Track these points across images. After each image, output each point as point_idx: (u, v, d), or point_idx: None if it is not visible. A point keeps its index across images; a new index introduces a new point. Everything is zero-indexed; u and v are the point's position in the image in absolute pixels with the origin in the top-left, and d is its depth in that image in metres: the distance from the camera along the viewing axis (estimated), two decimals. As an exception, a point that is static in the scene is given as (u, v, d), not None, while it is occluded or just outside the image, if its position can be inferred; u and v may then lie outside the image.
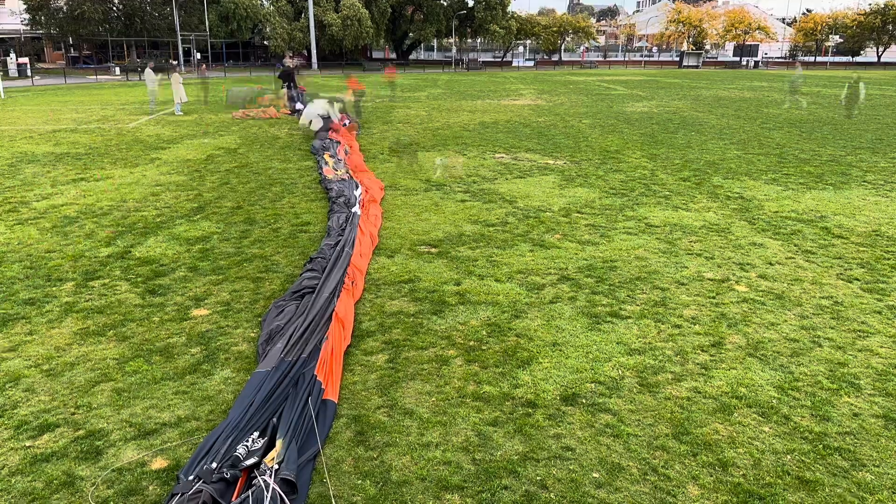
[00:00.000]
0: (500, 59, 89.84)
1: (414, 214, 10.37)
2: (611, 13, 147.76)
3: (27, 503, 3.91)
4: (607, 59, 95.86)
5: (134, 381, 5.28)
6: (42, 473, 4.17)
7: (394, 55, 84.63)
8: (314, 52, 66.51)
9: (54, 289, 7.20)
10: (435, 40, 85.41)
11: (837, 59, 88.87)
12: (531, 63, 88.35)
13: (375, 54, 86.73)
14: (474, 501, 3.97)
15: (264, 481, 3.85)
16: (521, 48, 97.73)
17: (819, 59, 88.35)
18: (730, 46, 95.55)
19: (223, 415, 4.79)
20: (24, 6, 57.12)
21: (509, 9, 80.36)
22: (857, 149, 17.02)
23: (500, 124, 21.99)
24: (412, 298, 7.02)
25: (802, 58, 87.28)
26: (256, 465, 4.09)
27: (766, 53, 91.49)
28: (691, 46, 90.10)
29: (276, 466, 4.04)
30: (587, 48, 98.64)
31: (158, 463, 4.27)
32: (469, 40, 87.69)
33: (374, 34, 69.75)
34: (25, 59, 50.76)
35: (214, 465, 4.01)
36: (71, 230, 9.38)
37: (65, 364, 5.55)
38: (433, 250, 8.60)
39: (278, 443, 4.28)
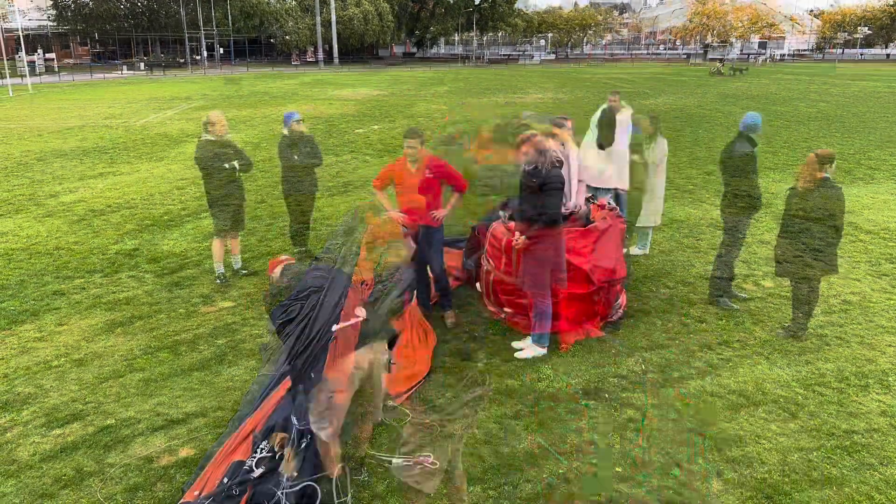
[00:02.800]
0: (519, 54, 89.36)
1: (435, 208, 10.35)
2: (630, 8, 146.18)
3: (58, 489, 3.99)
4: (631, 52, 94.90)
5: (161, 372, 5.36)
6: (72, 461, 4.25)
7: (414, 50, 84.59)
8: (335, 47, 66.70)
9: (82, 281, 7.32)
10: (455, 35, 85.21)
11: (865, 51, 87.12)
12: (552, 57, 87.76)
13: (396, 49, 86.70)
14: (496, 493, 3.98)
15: (281, 495, 3.76)
16: (541, 42, 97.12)
17: (847, 51, 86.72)
18: (755, 39, 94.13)
19: (248, 405, 4.85)
20: (51, 2, 57.96)
21: (530, 2, 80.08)
22: (885, 143, 16.69)
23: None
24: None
25: (829, 51, 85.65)
26: (268, 475, 3.95)
27: (791, 46, 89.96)
28: (714, 40, 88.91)
29: (294, 474, 3.90)
30: (608, 42, 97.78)
31: (185, 452, 4.34)
32: (489, 35, 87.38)
33: (395, 29, 69.77)
34: (52, 55, 51.57)
35: (226, 480, 3.92)
36: (98, 223, 9.52)
37: (93, 354, 5.65)
38: (455, 244, 8.60)
39: (288, 452, 4.07)
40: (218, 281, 7.13)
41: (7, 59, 37.20)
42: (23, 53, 36.15)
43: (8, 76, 35.17)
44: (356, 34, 65.65)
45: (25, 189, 11.64)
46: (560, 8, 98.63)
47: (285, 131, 7.46)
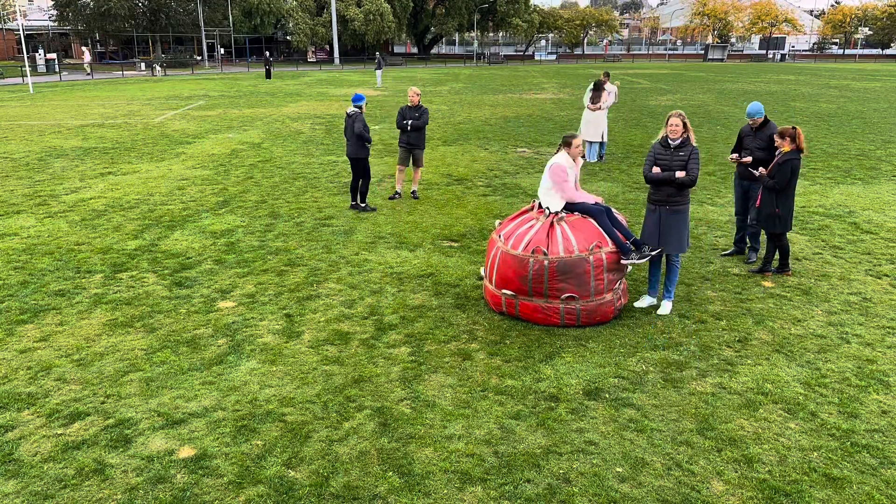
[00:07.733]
0: (521, 53, 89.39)
1: (436, 209, 10.37)
2: (634, 6, 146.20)
3: (59, 489, 4.00)
4: (630, 52, 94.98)
5: (162, 372, 5.37)
6: (73, 461, 4.26)
7: (415, 49, 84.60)
8: (336, 46, 66.73)
9: (83, 280, 7.33)
10: (456, 34, 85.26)
11: (866, 51, 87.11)
12: (553, 56, 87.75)
13: (397, 49, 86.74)
14: (497, 494, 3.98)
15: None
16: (543, 42, 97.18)
17: (848, 51, 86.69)
18: (756, 39, 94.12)
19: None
20: (52, 2, 57.96)
21: (531, 2, 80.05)
22: (886, 143, 16.69)
23: (522, 118, 21.91)
24: (434, 292, 7.04)
25: (830, 50, 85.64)
26: None
27: (793, 46, 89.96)
28: (716, 39, 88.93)
29: None
30: (610, 41, 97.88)
31: (186, 452, 4.34)
32: (491, 34, 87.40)
33: (396, 29, 69.77)
34: (53, 55, 51.57)
35: None
36: (99, 223, 9.53)
37: (94, 354, 5.66)
38: (455, 244, 8.61)
39: None
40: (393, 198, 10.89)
41: (28, 57, 37.31)
42: (42, 52, 36.34)
43: (29, 74, 35.22)
44: (357, 34, 65.56)
45: (26, 189, 11.66)
46: (576, 4, 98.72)
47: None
